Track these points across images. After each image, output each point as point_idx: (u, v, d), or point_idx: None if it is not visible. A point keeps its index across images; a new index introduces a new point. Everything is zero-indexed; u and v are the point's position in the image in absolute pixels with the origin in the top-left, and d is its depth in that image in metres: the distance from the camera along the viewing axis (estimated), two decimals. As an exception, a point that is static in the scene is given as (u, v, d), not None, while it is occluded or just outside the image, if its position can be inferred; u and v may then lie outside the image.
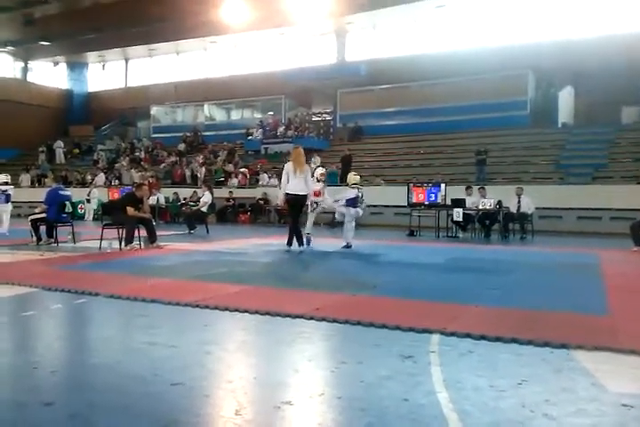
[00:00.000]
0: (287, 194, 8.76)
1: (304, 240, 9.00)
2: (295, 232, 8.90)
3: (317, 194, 9.78)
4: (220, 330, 4.07)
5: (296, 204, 8.89)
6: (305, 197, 8.80)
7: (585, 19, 20.70)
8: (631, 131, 17.62)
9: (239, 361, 3.34)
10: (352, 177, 9.92)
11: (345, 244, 9.40)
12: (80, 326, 4.45)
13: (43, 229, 9.83)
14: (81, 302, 4.86)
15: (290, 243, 8.91)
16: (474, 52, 21.08)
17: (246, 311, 4.31)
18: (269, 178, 19.60)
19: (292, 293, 5.31)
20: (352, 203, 9.56)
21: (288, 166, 8.79)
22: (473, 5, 21.81)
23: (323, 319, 4.06)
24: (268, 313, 4.24)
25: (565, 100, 19.86)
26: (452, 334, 3.66)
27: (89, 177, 23.44)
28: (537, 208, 12.74)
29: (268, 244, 10.12)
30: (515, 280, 6.29)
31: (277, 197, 9.46)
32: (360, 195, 9.72)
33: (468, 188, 13.53)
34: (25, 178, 24.48)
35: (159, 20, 24.06)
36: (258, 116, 26.62)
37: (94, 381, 2.91)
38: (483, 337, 3.58)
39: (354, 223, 9.68)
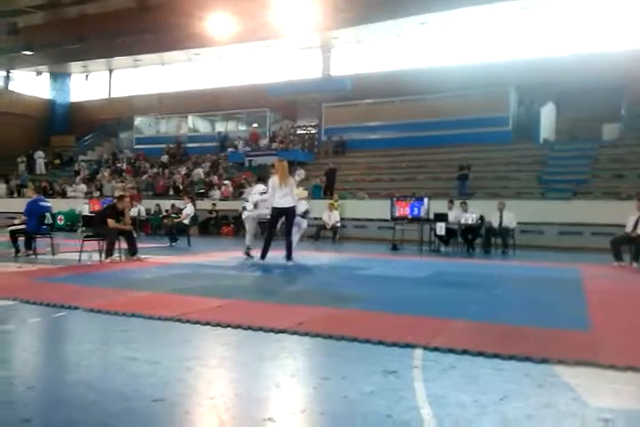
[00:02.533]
0: (274, 208, 8.76)
1: (292, 254, 8.83)
2: (287, 244, 8.84)
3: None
4: (202, 345, 4.01)
5: (280, 216, 8.88)
6: (292, 208, 8.78)
7: (567, 37, 21.14)
8: (612, 147, 17.94)
9: (220, 377, 3.30)
10: (301, 191, 10.15)
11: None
12: (59, 340, 4.36)
13: (21, 240, 9.67)
14: (60, 315, 4.77)
15: (263, 256, 8.88)
16: (457, 69, 21.42)
17: (228, 326, 4.27)
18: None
19: (275, 307, 5.27)
20: (304, 214, 9.82)
21: (273, 180, 8.76)
22: (456, 23, 22.18)
23: (306, 334, 4.03)
24: (250, 328, 4.20)
25: (547, 117, 20.19)
26: (435, 349, 3.66)
27: (69, 188, 23.18)
28: (518, 223, 12.87)
29: (250, 257, 10.05)
30: (497, 295, 6.31)
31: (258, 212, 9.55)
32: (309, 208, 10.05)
33: (451, 202, 13.64)
34: (1, 188, 24.16)
35: (144, 32, 24.05)
36: (242, 128, 26.66)
37: (73, 397, 2.85)
38: (465, 352, 3.58)
39: (298, 235, 9.82)
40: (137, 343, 3.92)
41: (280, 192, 8.64)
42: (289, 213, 8.83)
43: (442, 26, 22.51)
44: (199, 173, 22.75)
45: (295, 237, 9.58)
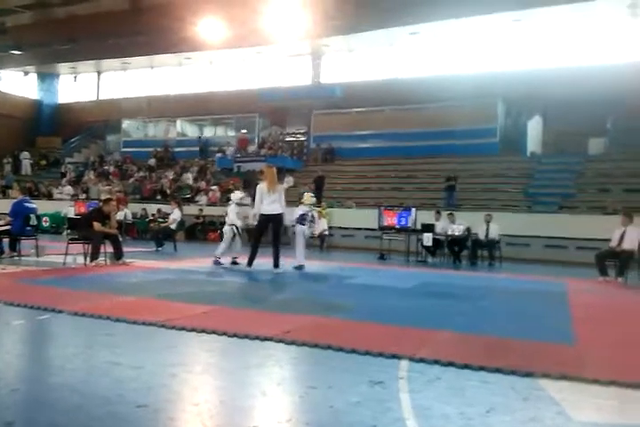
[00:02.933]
0: (262, 215, 8.65)
1: (279, 262, 8.72)
2: (274, 252, 8.69)
3: None
4: (187, 351, 3.99)
5: (268, 223, 8.75)
6: (280, 215, 8.66)
7: (555, 50, 21.41)
8: (597, 162, 18.12)
9: (205, 384, 3.29)
10: (307, 197, 10.00)
11: (297, 264, 9.31)
12: (42, 343, 4.32)
13: (5, 241, 9.55)
14: (44, 318, 4.73)
15: (250, 263, 8.80)
16: (447, 79, 21.56)
17: (213, 333, 4.26)
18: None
19: (261, 314, 5.26)
20: (300, 220, 9.53)
21: (261, 186, 8.66)
22: (446, 34, 22.39)
23: (292, 343, 4.03)
24: (235, 335, 4.19)
25: (534, 130, 20.39)
26: (421, 361, 3.67)
27: (55, 190, 22.96)
28: (505, 235, 12.96)
29: (237, 263, 10.01)
30: (483, 307, 6.35)
31: (250, 217, 9.34)
32: (309, 214, 9.71)
33: (438, 213, 13.71)
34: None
35: (136, 34, 23.96)
36: (231, 133, 26.62)
37: (57, 400, 2.83)
38: (451, 364, 3.60)
39: (301, 243, 9.53)
40: (121, 348, 3.89)
41: (268, 199, 8.53)
42: (277, 221, 8.70)
43: (433, 36, 22.69)
44: (188, 177, 22.67)
45: (298, 246, 9.43)
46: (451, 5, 18.74)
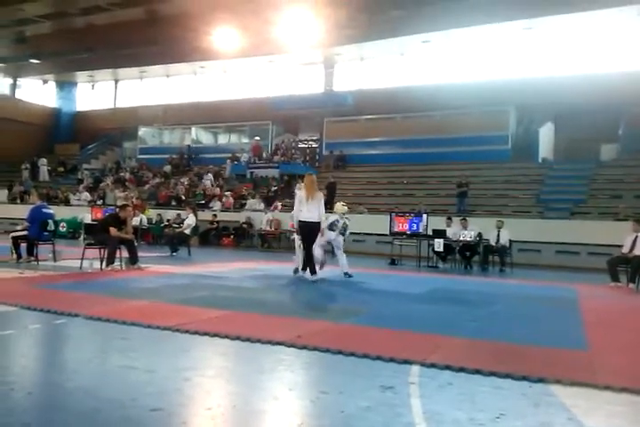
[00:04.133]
0: (300, 221, 8.56)
1: (316, 269, 8.62)
2: (308, 260, 8.61)
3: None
4: (200, 355, 4.03)
5: (310, 231, 8.59)
6: (318, 224, 8.53)
7: (567, 58, 21.37)
8: (609, 168, 18.05)
9: (218, 388, 3.32)
10: (339, 206, 10.00)
11: (344, 272, 9.33)
12: (58, 347, 4.38)
13: (23, 246, 9.70)
14: (60, 322, 4.81)
15: (305, 268, 8.70)
16: (458, 87, 21.59)
17: (226, 337, 4.30)
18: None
19: (274, 319, 5.30)
20: (330, 227, 9.47)
21: (300, 194, 8.63)
22: (458, 42, 22.42)
23: (304, 347, 4.06)
24: (248, 339, 4.23)
25: (546, 137, 20.34)
26: (432, 366, 3.69)
27: (72, 196, 23.26)
28: (516, 241, 12.90)
29: (250, 268, 10.09)
30: (494, 312, 6.35)
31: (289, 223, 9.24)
32: (340, 222, 9.64)
33: (449, 219, 13.70)
34: (2, 194, 24.23)
35: (151, 44, 24.27)
36: (245, 140, 26.83)
37: (71, 403, 2.88)
38: (462, 369, 3.61)
39: (339, 251, 9.54)
40: (136, 352, 3.94)
41: (307, 206, 8.47)
42: (314, 229, 8.58)
43: (444, 44, 22.75)
44: (209, 179, 22.92)
45: (341, 257, 9.46)
46: (462, 14, 18.80)
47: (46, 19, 26.05)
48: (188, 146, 27.79)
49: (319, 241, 9.09)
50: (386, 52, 23.95)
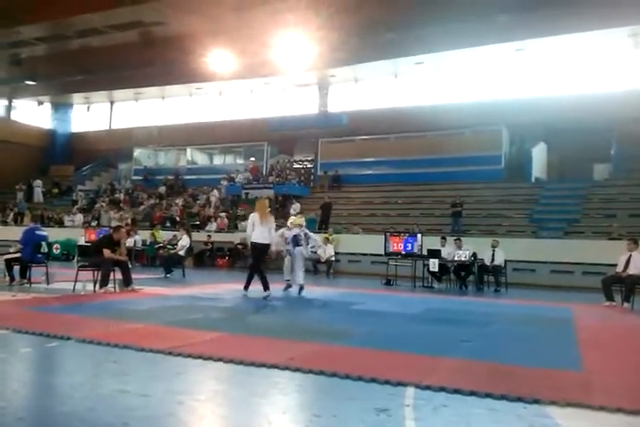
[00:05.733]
0: (252, 242, 9.17)
1: (269, 286, 9.04)
2: (248, 276, 9.15)
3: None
4: (193, 379, 4.00)
5: (260, 251, 9.22)
6: (268, 245, 9.16)
7: (559, 78, 21.69)
8: (602, 187, 18.18)
9: (211, 412, 3.30)
10: (295, 219, 10.51)
11: (286, 286, 9.89)
12: (50, 370, 4.34)
13: (16, 268, 9.65)
14: (52, 345, 4.77)
15: (246, 287, 9.15)
16: (451, 107, 21.86)
17: (220, 360, 4.28)
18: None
19: (267, 341, 5.27)
20: (295, 242, 9.95)
21: (254, 217, 9.16)
22: (451, 63, 22.78)
23: (297, 370, 4.04)
24: (241, 362, 4.21)
25: (538, 156, 20.52)
26: (427, 388, 3.67)
27: (66, 217, 23.21)
28: (510, 261, 12.93)
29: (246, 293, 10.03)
30: (489, 333, 6.33)
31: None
32: (302, 234, 10.10)
33: (443, 238, 13.73)
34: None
35: (147, 66, 24.51)
36: (240, 161, 26.95)
37: (63, 429, 2.85)
38: (457, 391, 3.60)
39: (300, 264, 9.96)
40: (128, 376, 3.91)
41: (260, 228, 9.04)
42: (264, 249, 9.21)
43: (437, 65, 23.10)
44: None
45: (297, 269, 9.87)
46: (453, 37, 19.09)
47: (42, 41, 26.23)
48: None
49: (299, 264, 9.81)
50: (379, 73, 24.28)
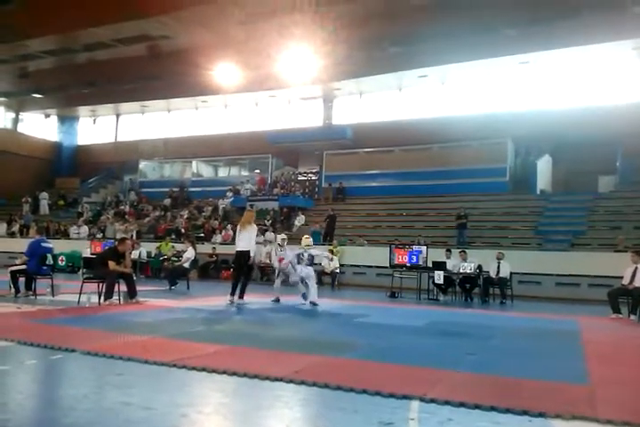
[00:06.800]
0: (236, 251, 9.81)
1: (243, 294, 9.68)
2: (241, 284, 9.70)
3: (280, 260, 10.62)
4: (197, 392, 3.99)
5: (240, 258, 9.70)
6: (248, 252, 9.61)
7: (564, 91, 21.77)
8: (608, 199, 18.16)
9: (216, 425, 3.28)
10: (305, 240, 10.77)
11: (310, 301, 9.97)
12: (54, 383, 4.33)
13: (22, 280, 9.69)
14: (56, 357, 4.76)
15: (233, 294, 9.61)
16: (456, 120, 21.94)
17: (224, 372, 4.26)
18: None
19: (272, 354, 5.25)
20: (298, 260, 10.33)
21: (238, 226, 9.79)
22: (455, 76, 22.90)
23: (302, 383, 4.02)
24: (245, 375, 4.19)
25: (544, 169, 20.52)
26: (432, 401, 3.64)
27: (72, 229, 23.29)
28: (516, 273, 12.89)
29: (248, 302, 10.03)
30: (494, 346, 6.30)
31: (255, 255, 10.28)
32: (306, 254, 10.42)
33: (448, 251, 13.70)
34: (2, 228, 24.28)
35: (152, 79, 24.78)
36: (245, 173, 27.07)
37: (67, 442, 2.84)
38: (462, 404, 3.57)
39: (310, 282, 10.19)
40: (132, 388, 3.90)
41: (239, 236, 9.67)
42: (244, 256, 9.67)
43: (441, 79, 23.23)
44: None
45: (312, 288, 10.13)
46: (457, 50, 19.24)
47: (49, 54, 26.60)
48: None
49: (292, 277, 10.30)
50: (384, 86, 24.43)
